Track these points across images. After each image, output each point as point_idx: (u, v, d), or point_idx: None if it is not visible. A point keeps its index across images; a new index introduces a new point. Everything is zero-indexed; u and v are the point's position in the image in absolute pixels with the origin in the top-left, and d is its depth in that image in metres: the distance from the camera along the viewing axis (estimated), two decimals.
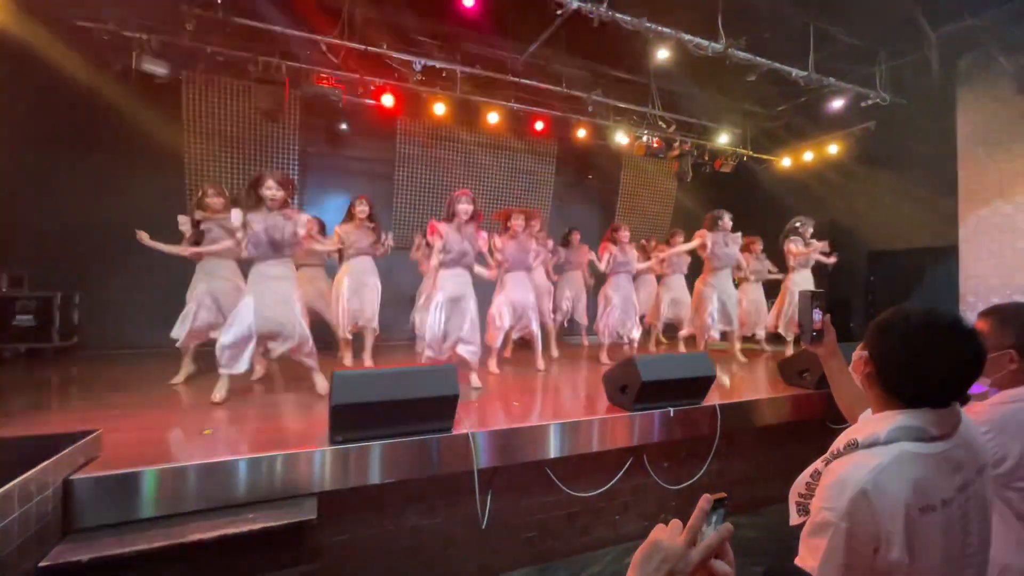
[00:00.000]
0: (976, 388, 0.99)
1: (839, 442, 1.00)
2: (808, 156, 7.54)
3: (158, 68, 4.69)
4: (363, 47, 5.22)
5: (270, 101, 5.14)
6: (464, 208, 3.69)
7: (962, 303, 5.70)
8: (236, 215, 3.14)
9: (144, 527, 1.98)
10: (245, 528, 1.98)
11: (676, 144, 7.19)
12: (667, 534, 0.64)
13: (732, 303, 5.34)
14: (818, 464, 1.04)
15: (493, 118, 6.25)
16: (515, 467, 2.80)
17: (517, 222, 4.48)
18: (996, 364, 1.31)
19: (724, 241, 5.28)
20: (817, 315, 1.44)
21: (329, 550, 2.46)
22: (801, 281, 5.67)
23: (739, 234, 5.45)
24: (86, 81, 4.95)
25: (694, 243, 5.39)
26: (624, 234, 5.19)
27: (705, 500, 0.64)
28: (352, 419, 2.37)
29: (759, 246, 6.15)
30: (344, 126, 6.25)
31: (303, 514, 2.10)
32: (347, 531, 2.51)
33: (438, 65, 5.68)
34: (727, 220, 5.27)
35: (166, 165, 5.62)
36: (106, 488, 1.99)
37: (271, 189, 3.15)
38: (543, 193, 7.57)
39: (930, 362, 0.92)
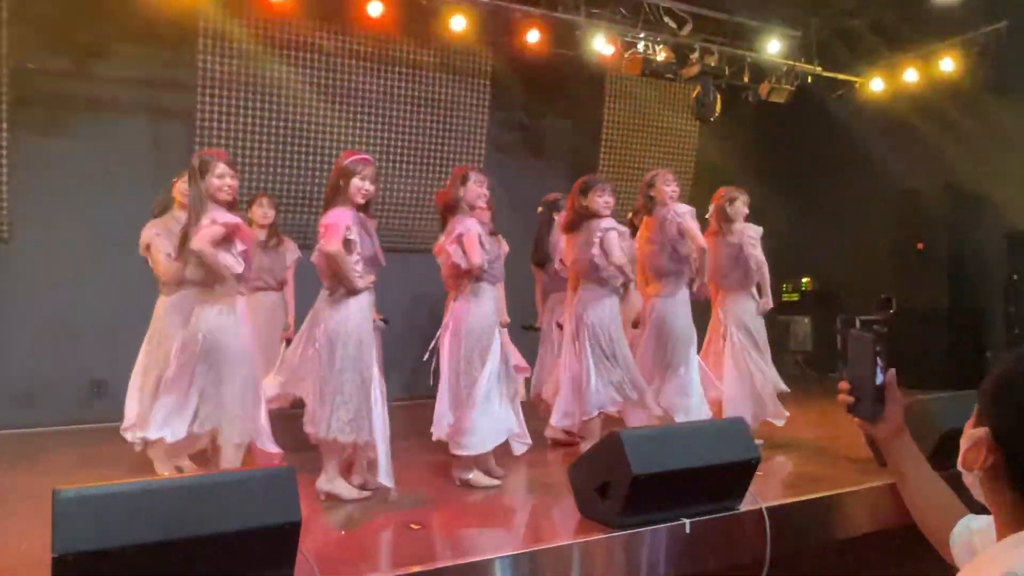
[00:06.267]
0: None
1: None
2: (911, 76, 5.64)
3: None
4: None
5: None
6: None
7: None
8: None
9: None
10: None
11: (694, 57, 5.28)
12: None
13: None
14: None
15: (376, 9, 4.40)
16: None
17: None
18: None
19: None
20: (879, 372, 0.92)
21: None
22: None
23: None
24: None
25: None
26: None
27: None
28: None
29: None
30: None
31: None
32: None
33: None
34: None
35: None
36: None
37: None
38: (470, 140, 5.45)
39: None
